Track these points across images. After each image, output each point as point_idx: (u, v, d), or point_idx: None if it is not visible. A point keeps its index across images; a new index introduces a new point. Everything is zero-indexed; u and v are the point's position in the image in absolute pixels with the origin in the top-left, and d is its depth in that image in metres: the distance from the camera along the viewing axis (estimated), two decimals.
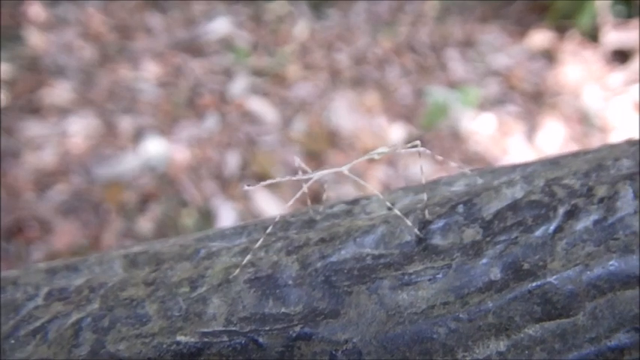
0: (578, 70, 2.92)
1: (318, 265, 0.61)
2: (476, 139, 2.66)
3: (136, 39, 3.04)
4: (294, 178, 0.74)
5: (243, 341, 0.57)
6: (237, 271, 0.62)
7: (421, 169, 0.74)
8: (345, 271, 0.60)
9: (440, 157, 0.75)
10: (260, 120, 2.69)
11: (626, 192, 0.61)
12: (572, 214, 0.60)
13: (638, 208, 0.59)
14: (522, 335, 0.55)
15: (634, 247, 0.57)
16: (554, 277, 0.56)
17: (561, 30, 3.07)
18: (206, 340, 0.57)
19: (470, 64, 3.02)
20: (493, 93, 2.87)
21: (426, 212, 0.63)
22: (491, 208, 0.63)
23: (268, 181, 0.76)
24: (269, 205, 2.31)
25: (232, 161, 2.48)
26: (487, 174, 0.70)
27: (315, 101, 2.78)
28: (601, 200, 0.61)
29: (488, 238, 0.60)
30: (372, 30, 3.21)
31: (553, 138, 2.63)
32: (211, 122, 2.64)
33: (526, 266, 0.58)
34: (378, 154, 0.72)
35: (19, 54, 2.81)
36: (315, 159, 2.52)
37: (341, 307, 0.58)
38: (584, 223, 0.59)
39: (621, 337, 0.54)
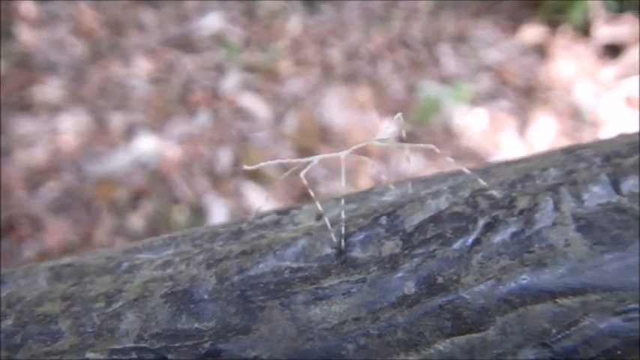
0: (570, 65, 2.92)
1: (235, 279, 0.60)
2: (468, 134, 2.66)
3: (127, 35, 3.03)
4: (293, 161, 0.72)
5: (152, 358, 0.56)
6: (155, 285, 0.60)
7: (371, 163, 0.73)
8: (262, 285, 0.59)
9: (451, 159, 0.73)
10: (252, 116, 2.68)
11: (546, 203, 0.59)
12: (491, 226, 0.59)
13: (557, 220, 0.58)
14: (432, 351, 0.54)
15: (547, 260, 0.56)
16: (466, 291, 0.55)
17: (553, 25, 3.07)
18: (115, 357, 0.56)
19: (462, 59, 3.02)
20: (485, 88, 2.87)
21: (346, 225, 0.62)
22: (414, 220, 0.61)
23: (268, 162, 0.75)
24: (261, 202, 2.31)
25: (224, 158, 2.48)
26: (419, 183, 0.68)
27: (307, 97, 2.78)
28: (521, 212, 0.59)
29: (406, 251, 0.59)
30: (365, 25, 3.21)
31: (545, 133, 2.64)
32: (203, 119, 2.63)
33: (440, 280, 0.56)
34: (380, 141, 0.71)
35: (10, 51, 2.80)
36: (308, 155, 2.52)
37: (253, 323, 0.57)
38: (501, 235, 0.58)
39: (528, 353, 0.53)
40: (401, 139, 0.76)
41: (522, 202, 0.60)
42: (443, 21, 3.23)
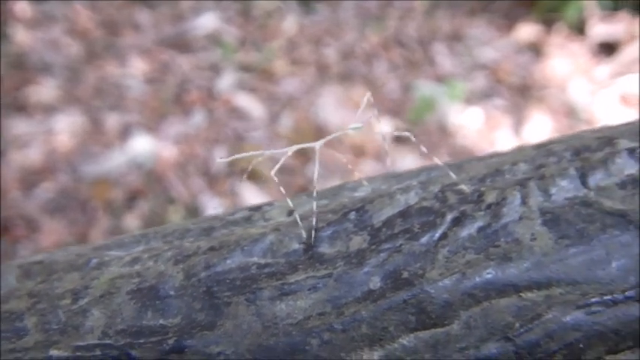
0: (565, 63, 2.93)
1: (202, 275, 0.60)
2: (463, 133, 2.66)
3: (123, 35, 3.03)
4: (266, 153, 0.72)
5: (116, 355, 0.56)
6: (122, 281, 0.60)
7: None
8: (228, 281, 0.59)
9: (424, 149, 0.73)
10: (247, 116, 2.69)
11: (514, 198, 0.59)
12: (458, 220, 0.59)
13: (524, 214, 0.58)
14: (396, 345, 0.54)
15: (513, 254, 0.56)
16: (431, 286, 0.55)
17: (548, 23, 3.07)
18: (79, 354, 0.56)
19: (457, 58, 3.02)
20: (480, 87, 2.87)
21: (316, 219, 0.62)
22: (382, 215, 0.61)
23: (242, 155, 0.75)
24: (256, 201, 2.31)
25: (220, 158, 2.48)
26: (392, 178, 0.68)
27: (302, 97, 2.78)
28: (489, 206, 0.59)
29: (373, 246, 0.59)
30: (360, 25, 3.21)
31: (540, 131, 2.64)
32: (198, 118, 2.63)
33: (405, 275, 0.57)
34: (353, 129, 0.71)
35: (4, 51, 2.80)
36: (303, 154, 2.52)
37: (218, 319, 0.57)
38: (468, 230, 0.58)
39: (491, 347, 0.53)
40: (376, 124, 0.75)
41: (490, 197, 0.60)
42: (438, 20, 3.23)
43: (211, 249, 0.62)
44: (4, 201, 2.23)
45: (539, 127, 2.66)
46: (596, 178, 0.59)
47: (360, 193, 0.67)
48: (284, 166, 0.78)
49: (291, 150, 0.71)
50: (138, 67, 2.85)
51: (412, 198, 0.63)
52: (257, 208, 0.68)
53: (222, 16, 3.20)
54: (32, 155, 2.41)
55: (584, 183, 0.59)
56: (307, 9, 3.30)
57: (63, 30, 3.00)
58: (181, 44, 3.00)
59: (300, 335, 0.55)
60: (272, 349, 0.55)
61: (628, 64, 2.81)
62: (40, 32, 2.95)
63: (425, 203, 0.62)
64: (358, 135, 2.56)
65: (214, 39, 3.04)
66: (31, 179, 2.33)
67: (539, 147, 0.67)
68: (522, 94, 2.84)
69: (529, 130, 2.66)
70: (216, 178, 2.42)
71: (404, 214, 0.61)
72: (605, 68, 2.87)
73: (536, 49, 3.02)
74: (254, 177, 2.41)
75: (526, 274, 0.55)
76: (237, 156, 0.74)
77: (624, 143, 0.62)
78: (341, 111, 2.71)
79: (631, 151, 0.60)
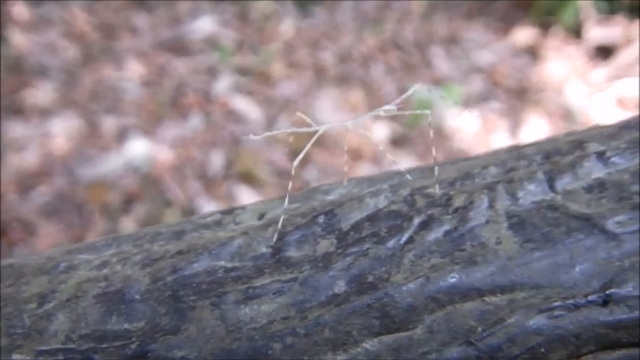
0: (562, 67, 2.93)
1: (169, 279, 0.59)
2: (460, 136, 2.66)
3: (120, 38, 3.03)
4: (300, 131, 0.71)
5: (78, 359, 0.56)
6: (88, 285, 0.60)
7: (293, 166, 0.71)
8: (194, 285, 0.58)
9: (391, 158, 0.72)
10: (244, 119, 2.69)
11: (481, 201, 0.59)
12: (425, 224, 0.59)
13: (491, 218, 0.58)
14: (359, 350, 0.54)
15: (478, 258, 0.56)
16: (395, 290, 0.55)
17: (545, 26, 3.08)
18: (41, 358, 0.56)
19: (454, 61, 3.02)
20: (477, 90, 2.88)
21: (282, 222, 0.61)
22: (351, 218, 0.61)
23: (274, 132, 0.73)
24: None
25: (216, 161, 2.48)
26: (365, 182, 0.68)
27: (299, 100, 2.78)
28: (456, 210, 0.59)
29: (340, 250, 0.59)
30: (357, 28, 3.21)
31: (536, 134, 2.65)
32: (195, 122, 2.63)
33: (370, 279, 0.56)
34: (385, 112, 0.71)
35: (2, 54, 2.80)
36: (301, 158, 2.52)
37: (182, 323, 0.56)
38: (435, 233, 0.58)
39: (453, 351, 0.53)
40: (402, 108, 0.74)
41: (459, 200, 0.60)
42: (435, 23, 3.24)
43: (179, 252, 0.62)
44: (1, 204, 2.23)
45: (536, 130, 2.66)
46: (564, 182, 0.59)
47: (332, 197, 0.67)
48: (282, 169, 0.77)
49: (322, 128, 0.69)
50: (135, 70, 2.85)
51: (382, 201, 0.62)
52: (229, 212, 0.68)
53: (220, 19, 3.20)
54: (28, 158, 2.41)
55: (551, 187, 0.59)
56: (305, 12, 3.30)
57: (60, 33, 3.00)
58: (178, 47, 3.00)
59: (262, 340, 0.55)
60: (234, 354, 0.55)
61: (624, 67, 2.81)
62: (37, 35, 2.95)
63: (394, 207, 0.61)
64: (357, 139, 2.56)
65: (211, 42, 3.04)
66: (27, 182, 2.33)
67: (512, 150, 0.67)
68: (519, 97, 2.84)
69: (526, 133, 2.66)
70: (212, 181, 2.42)
71: (372, 217, 0.61)
72: (601, 71, 2.87)
73: (532, 52, 3.03)
74: (250, 180, 2.41)
75: (490, 278, 0.55)
76: (285, 130, 0.71)
77: (594, 147, 0.62)
78: (338, 114, 2.71)
79: (600, 155, 0.60)
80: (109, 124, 2.57)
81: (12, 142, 2.46)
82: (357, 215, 0.61)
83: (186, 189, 2.38)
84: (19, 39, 2.90)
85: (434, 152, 0.67)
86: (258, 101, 2.75)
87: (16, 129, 2.51)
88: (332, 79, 2.90)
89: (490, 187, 0.60)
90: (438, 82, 2.88)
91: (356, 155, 2.54)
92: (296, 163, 0.66)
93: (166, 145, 2.51)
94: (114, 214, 2.27)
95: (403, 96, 0.71)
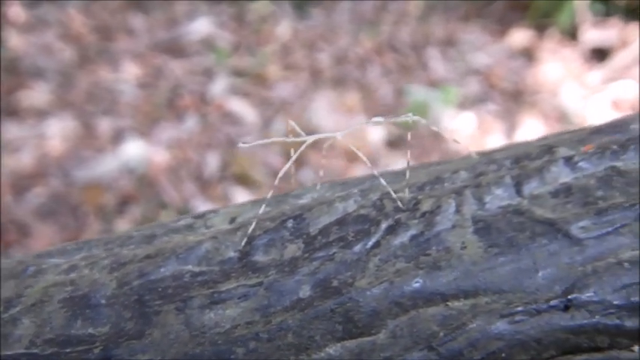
0: (557, 69, 2.93)
1: (135, 283, 0.59)
2: (456, 137, 2.66)
3: (116, 40, 3.03)
4: (288, 140, 0.71)
5: None
6: (54, 289, 0.60)
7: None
8: (160, 289, 0.58)
9: (435, 128, 0.73)
10: (240, 121, 2.69)
11: (449, 206, 0.59)
12: (392, 229, 0.59)
13: (457, 222, 0.58)
14: (322, 355, 0.54)
15: (442, 263, 0.56)
16: (359, 294, 0.55)
17: (541, 29, 3.08)
18: None
19: (450, 63, 3.03)
20: (473, 92, 2.88)
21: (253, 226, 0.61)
22: (320, 222, 0.61)
23: (264, 141, 0.75)
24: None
25: (212, 162, 2.48)
26: (337, 186, 0.68)
27: (295, 101, 2.78)
28: (423, 215, 0.59)
29: (306, 255, 0.59)
30: (354, 30, 3.22)
31: (532, 136, 2.65)
32: (191, 123, 2.63)
33: (335, 283, 0.56)
34: (374, 123, 0.71)
35: None
36: (296, 160, 2.52)
37: (147, 328, 0.56)
38: (401, 238, 0.58)
39: (415, 356, 0.53)
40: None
41: (426, 205, 0.60)
42: (432, 25, 3.24)
43: (147, 257, 0.61)
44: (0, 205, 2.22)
45: (532, 132, 2.67)
46: (531, 187, 0.59)
47: (303, 201, 0.67)
48: (278, 171, 0.78)
49: (310, 139, 0.70)
50: (131, 71, 2.85)
51: (351, 206, 0.62)
52: (201, 216, 0.68)
53: (216, 20, 3.20)
54: (24, 160, 2.40)
55: (518, 191, 0.59)
56: (302, 13, 3.30)
57: (56, 34, 3.00)
58: (175, 49, 3.00)
59: (226, 344, 0.55)
60: (198, 358, 0.55)
61: (620, 70, 2.82)
62: (34, 37, 2.95)
63: (362, 211, 0.61)
64: (353, 141, 2.56)
65: (208, 44, 3.04)
66: (22, 184, 2.32)
67: (483, 155, 0.67)
68: (515, 99, 2.84)
69: (521, 135, 2.66)
70: (208, 183, 2.42)
71: (340, 222, 0.61)
72: (597, 73, 2.88)
73: (528, 55, 3.03)
74: (246, 181, 2.41)
75: (454, 282, 0.55)
76: (275, 139, 0.73)
77: (563, 151, 0.62)
78: (334, 116, 2.71)
79: (567, 160, 0.60)
80: (104, 125, 2.57)
81: (7, 143, 2.45)
82: (325, 219, 0.61)
83: (182, 190, 2.37)
84: (15, 40, 2.89)
85: (408, 156, 0.68)
86: (254, 103, 2.75)
87: (11, 130, 2.50)
88: (328, 80, 2.90)
89: (458, 192, 0.60)
90: (434, 83, 2.89)
91: (353, 157, 2.54)
92: (281, 173, 0.67)
93: (162, 146, 2.51)
94: (109, 215, 2.27)
95: (395, 118, 0.72)
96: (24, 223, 2.22)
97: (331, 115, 2.70)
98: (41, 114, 2.59)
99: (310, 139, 0.69)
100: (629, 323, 0.52)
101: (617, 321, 0.52)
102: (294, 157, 0.67)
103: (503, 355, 0.52)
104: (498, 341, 0.52)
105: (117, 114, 2.64)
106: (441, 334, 0.53)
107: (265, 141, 0.74)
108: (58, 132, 2.52)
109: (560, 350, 0.52)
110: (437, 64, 3.02)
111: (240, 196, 2.36)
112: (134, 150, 2.46)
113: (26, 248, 2.16)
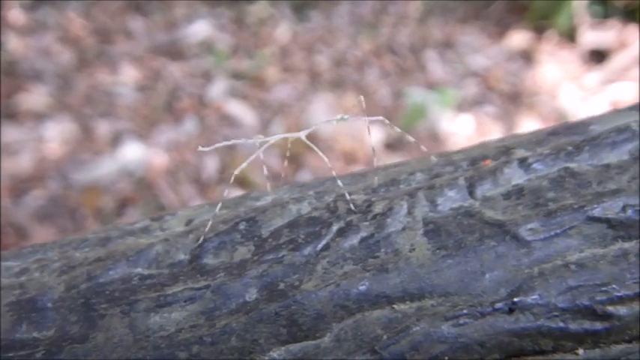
0: (556, 70, 2.94)
1: (83, 286, 0.58)
2: (454, 139, 2.67)
3: (115, 42, 3.04)
4: (249, 141, 0.72)
5: None
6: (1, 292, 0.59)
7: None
8: (107, 292, 0.58)
9: (398, 130, 0.73)
10: (239, 123, 2.69)
11: (400, 208, 0.59)
12: (343, 231, 0.58)
13: (408, 224, 0.57)
14: (266, 358, 0.53)
15: (390, 265, 0.55)
16: (304, 297, 0.54)
17: (539, 30, 3.09)
18: None
19: (449, 65, 3.03)
20: (471, 94, 2.88)
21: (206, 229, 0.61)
22: (272, 225, 0.61)
23: (224, 143, 0.74)
24: None
25: (211, 165, 2.48)
26: (296, 188, 0.67)
27: (294, 104, 2.79)
28: (375, 217, 0.59)
29: (256, 257, 0.58)
30: (353, 32, 3.22)
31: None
32: (190, 126, 2.64)
33: (281, 286, 0.56)
34: (337, 121, 0.72)
35: None
36: (294, 162, 2.53)
37: (91, 332, 0.56)
38: (351, 240, 0.57)
39: None
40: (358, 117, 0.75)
41: (379, 207, 0.60)
42: (430, 27, 3.24)
43: (97, 260, 0.61)
44: None
45: None
46: (484, 189, 0.59)
47: (261, 203, 0.66)
48: (275, 172, 0.78)
49: (273, 139, 0.70)
50: (130, 74, 2.85)
51: (305, 208, 0.62)
52: (158, 218, 0.67)
53: (215, 23, 3.21)
54: (22, 163, 2.41)
55: (471, 193, 0.59)
56: (301, 16, 3.31)
57: (55, 37, 3.00)
58: (173, 51, 3.01)
59: (169, 348, 0.54)
60: None
61: (618, 71, 2.82)
62: (33, 40, 2.96)
63: (315, 213, 0.61)
64: (351, 143, 2.56)
65: (207, 46, 3.04)
66: (21, 187, 2.33)
67: (442, 156, 0.66)
68: (513, 101, 2.84)
69: None
70: (207, 185, 2.42)
71: (292, 224, 0.60)
72: (595, 75, 2.88)
73: (527, 57, 3.03)
74: (244, 184, 2.41)
75: (400, 285, 0.54)
76: (234, 141, 0.73)
77: (519, 153, 0.61)
78: (332, 118, 2.71)
79: (522, 161, 0.60)
80: (103, 128, 2.58)
81: (6, 146, 2.46)
82: (278, 222, 0.61)
83: (181, 193, 2.38)
84: (14, 43, 2.90)
85: (375, 161, 0.67)
86: (253, 105, 2.76)
87: (10, 133, 2.51)
88: (326, 83, 2.91)
89: (411, 194, 0.60)
90: (432, 85, 2.89)
91: (350, 159, 2.54)
92: (237, 171, 0.66)
93: (161, 149, 2.51)
94: (107, 218, 2.27)
95: (365, 119, 0.72)
96: (22, 225, 2.22)
97: (329, 117, 2.70)
98: (40, 117, 2.59)
99: (272, 139, 0.70)
100: (574, 326, 0.51)
101: (562, 324, 0.52)
102: (252, 157, 0.67)
103: (446, 358, 0.52)
104: (442, 344, 0.52)
105: (115, 117, 2.64)
106: (385, 337, 0.52)
107: (225, 143, 0.73)
108: (56, 135, 2.52)
109: (504, 353, 0.52)
110: (435, 66, 3.02)
111: (234, 195, 2.36)
112: (133, 152, 2.47)
113: None
